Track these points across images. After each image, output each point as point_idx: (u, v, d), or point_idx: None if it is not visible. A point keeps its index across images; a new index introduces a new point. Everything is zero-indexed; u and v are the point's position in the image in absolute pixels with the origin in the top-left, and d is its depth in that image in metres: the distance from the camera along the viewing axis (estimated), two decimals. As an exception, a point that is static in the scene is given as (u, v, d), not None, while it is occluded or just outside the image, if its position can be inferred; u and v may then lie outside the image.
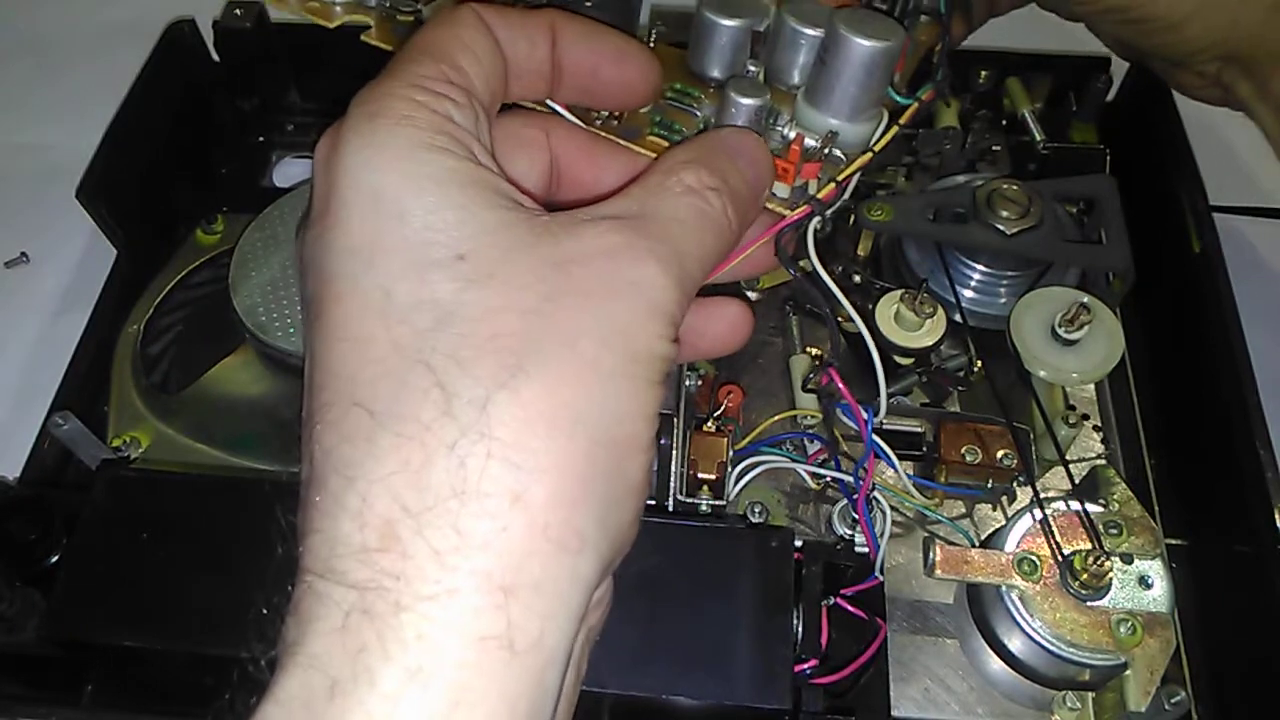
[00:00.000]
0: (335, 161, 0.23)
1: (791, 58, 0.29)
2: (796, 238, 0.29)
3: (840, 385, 0.36)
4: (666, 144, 0.29)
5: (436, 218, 0.22)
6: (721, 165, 0.26)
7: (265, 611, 0.23)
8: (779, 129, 0.29)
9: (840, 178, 0.28)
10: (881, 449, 0.38)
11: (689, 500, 0.40)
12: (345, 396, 0.21)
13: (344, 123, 0.23)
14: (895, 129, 0.29)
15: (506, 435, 0.20)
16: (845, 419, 0.38)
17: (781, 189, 0.28)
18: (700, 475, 0.39)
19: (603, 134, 0.29)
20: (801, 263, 0.29)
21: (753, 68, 0.29)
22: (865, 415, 0.37)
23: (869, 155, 0.29)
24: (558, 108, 0.28)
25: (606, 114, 0.29)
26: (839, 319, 0.36)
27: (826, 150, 0.28)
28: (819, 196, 0.28)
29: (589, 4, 0.30)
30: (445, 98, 0.23)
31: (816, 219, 0.29)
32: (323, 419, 0.21)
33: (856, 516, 0.39)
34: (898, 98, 0.29)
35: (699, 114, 0.29)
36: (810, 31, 0.28)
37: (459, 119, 0.23)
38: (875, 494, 0.39)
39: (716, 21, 0.29)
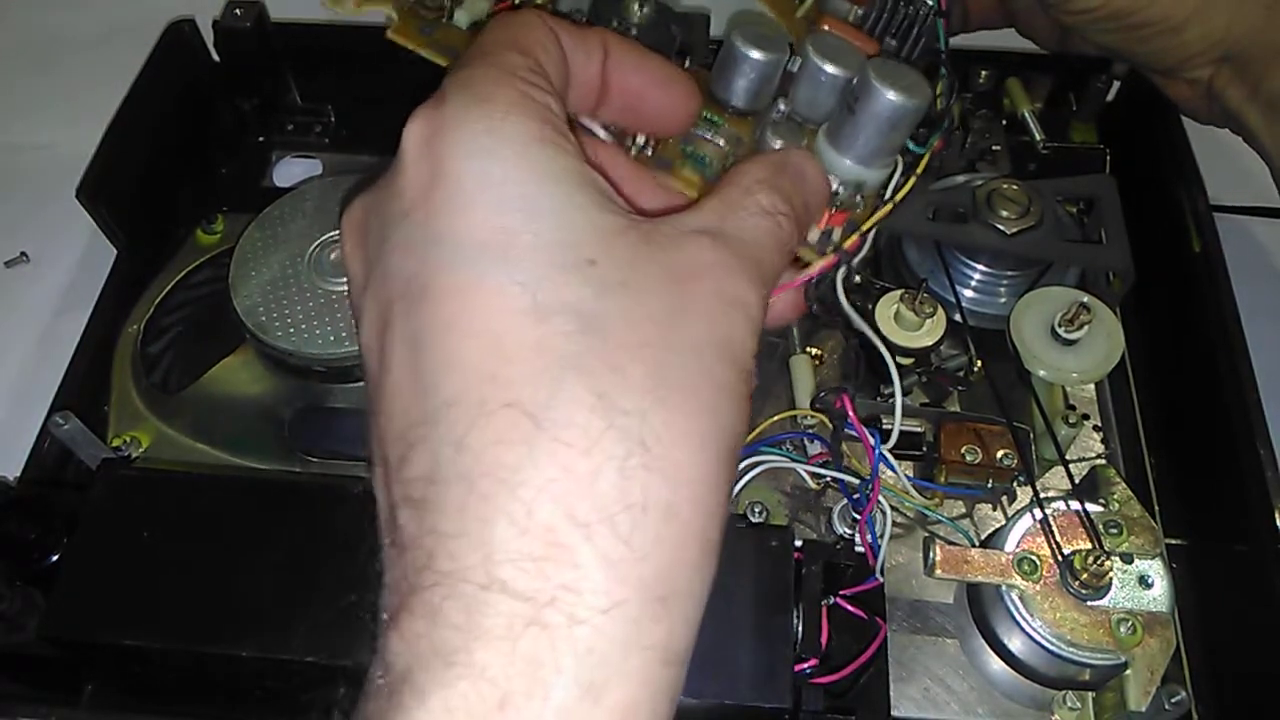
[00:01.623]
0: (443, 144, 0.22)
1: (815, 95, 0.29)
2: (826, 283, 0.30)
3: (852, 414, 0.36)
4: (699, 178, 0.29)
5: (563, 218, 0.22)
6: (790, 190, 0.26)
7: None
8: None
9: (865, 228, 0.29)
10: (889, 462, 0.38)
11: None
12: (491, 396, 0.21)
13: (446, 103, 0.23)
14: (914, 179, 0.29)
15: (661, 449, 0.21)
16: (852, 431, 0.38)
17: (811, 232, 0.29)
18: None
19: (644, 164, 0.29)
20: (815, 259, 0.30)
21: (783, 106, 0.30)
22: (874, 441, 0.37)
23: (890, 206, 0.29)
24: (596, 129, 0.28)
25: (643, 142, 0.29)
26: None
27: (855, 199, 0.29)
28: (845, 247, 0.29)
29: (634, 31, 0.30)
30: (542, 89, 0.23)
31: (842, 267, 0.29)
32: (458, 416, 0.21)
33: (856, 518, 0.39)
34: (913, 146, 0.30)
35: (724, 144, 0.30)
36: (834, 70, 0.28)
37: (556, 111, 0.23)
38: (875, 494, 0.39)
39: (748, 54, 0.28)
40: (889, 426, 0.38)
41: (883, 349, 0.36)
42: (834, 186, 0.29)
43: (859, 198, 0.29)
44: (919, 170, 0.30)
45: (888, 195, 0.29)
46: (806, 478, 0.42)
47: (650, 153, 0.29)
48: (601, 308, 0.21)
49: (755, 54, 0.28)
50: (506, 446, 0.20)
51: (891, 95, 0.27)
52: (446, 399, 0.21)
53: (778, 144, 0.28)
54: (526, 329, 0.21)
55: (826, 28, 0.32)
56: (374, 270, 0.24)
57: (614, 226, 0.22)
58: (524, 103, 0.23)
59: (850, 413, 0.36)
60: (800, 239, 0.27)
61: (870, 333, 0.34)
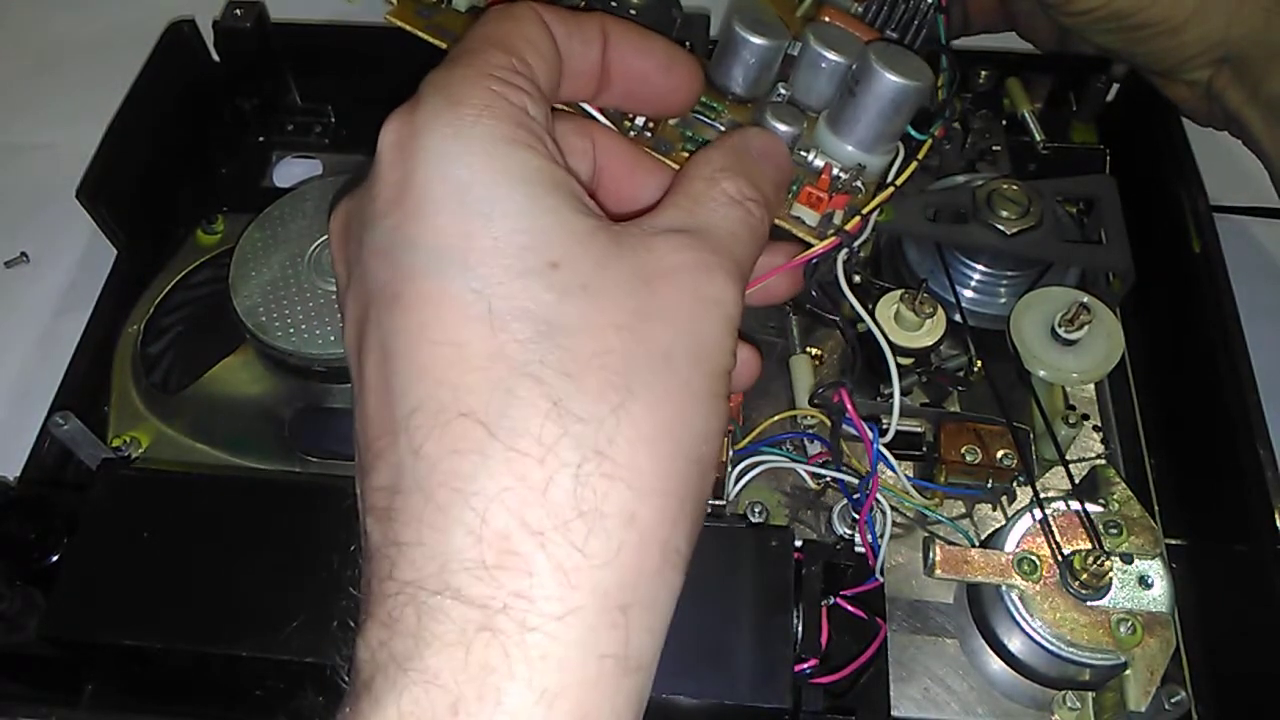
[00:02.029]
0: (415, 148, 0.22)
1: (816, 82, 0.29)
2: (827, 265, 0.30)
3: (850, 407, 0.36)
4: None
5: (527, 221, 0.22)
6: (754, 173, 0.26)
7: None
8: (804, 154, 0.29)
9: (865, 211, 0.29)
10: (889, 462, 0.38)
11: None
12: (448, 405, 0.21)
13: (420, 107, 0.23)
14: (914, 164, 0.29)
15: (621, 456, 0.21)
16: (851, 429, 0.38)
17: (810, 216, 0.29)
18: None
19: (644, 148, 0.29)
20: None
21: (784, 90, 0.29)
22: (872, 436, 0.37)
23: (891, 189, 0.29)
24: (595, 113, 0.28)
25: (641, 125, 0.29)
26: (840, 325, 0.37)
27: (855, 182, 0.29)
28: (846, 229, 0.28)
29: (633, 11, 0.30)
30: (520, 90, 0.23)
31: (844, 250, 0.29)
32: (419, 424, 0.21)
33: (857, 518, 0.39)
34: (914, 133, 0.30)
35: (722, 128, 0.29)
36: (834, 57, 0.28)
37: (534, 113, 0.23)
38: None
39: (748, 39, 0.28)
40: (887, 425, 0.38)
41: (879, 336, 0.36)
42: (835, 171, 0.29)
43: (859, 183, 0.29)
44: (920, 156, 0.30)
45: (889, 179, 0.29)
46: (806, 478, 0.42)
47: (649, 135, 0.29)
48: (560, 313, 0.21)
49: (755, 39, 0.28)
50: (461, 456, 0.20)
51: (892, 77, 0.27)
52: (410, 408, 0.21)
53: (780, 128, 0.28)
54: (484, 337, 0.21)
55: (827, 19, 0.32)
56: (353, 273, 0.24)
57: (582, 229, 0.22)
58: (496, 104, 0.22)
59: (849, 406, 0.36)
60: (773, 219, 0.26)
61: (866, 317, 0.33)
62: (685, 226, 0.24)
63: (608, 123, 0.28)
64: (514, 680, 0.19)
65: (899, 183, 0.29)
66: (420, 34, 0.29)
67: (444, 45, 0.29)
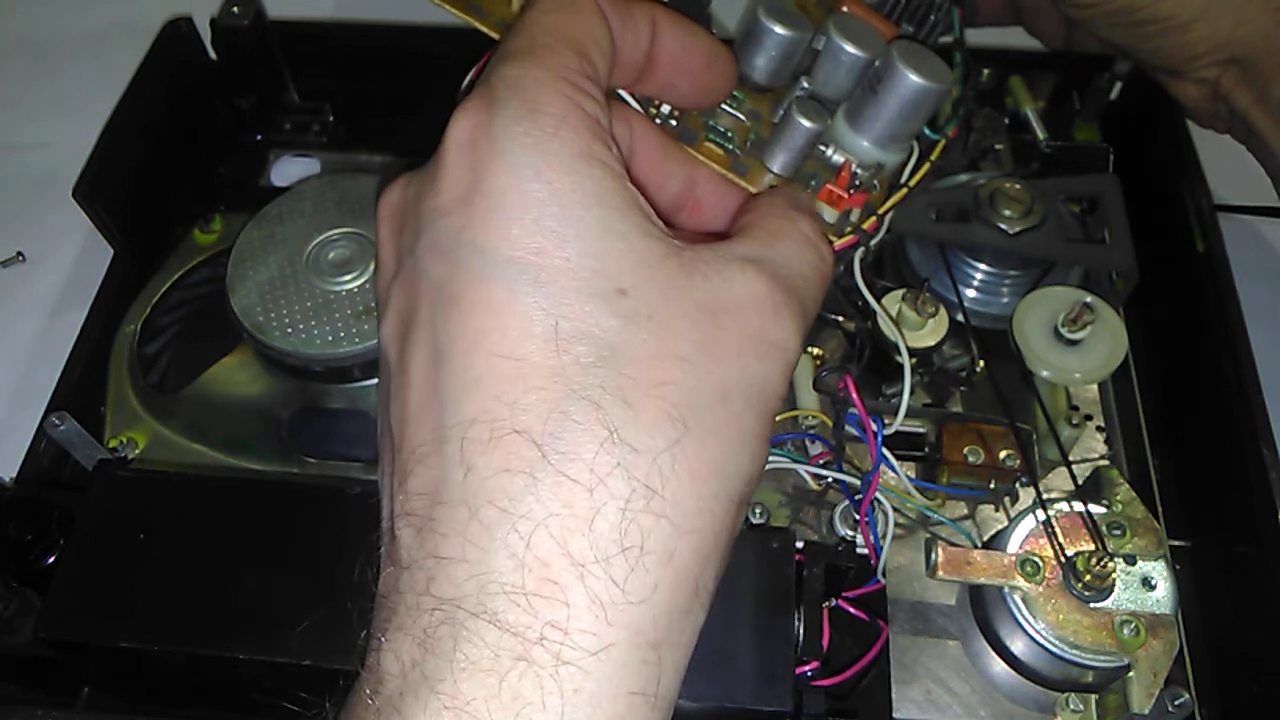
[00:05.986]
0: (489, 152, 0.22)
1: (836, 75, 0.29)
2: (841, 264, 0.30)
3: (855, 395, 0.36)
4: (722, 151, 0.29)
5: (599, 245, 0.22)
6: (821, 223, 0.26)
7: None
8: (823, 150, 0.29)
9: (881, 210, 0.29)
10: (890, 463, 0.38)
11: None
12: (503, 421, 0.20)
13: (496, 109, 0.22)
14: (928, 165, 0.30)
15: (670, 493, 0.20)
16: (852, 429, 0.38)
17: (829, 213, 0.29)
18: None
19: (673, 137, 0.29)
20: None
21: (806, 84, 0.29)
22: (875, 428, 0.37)
23: (905, 190, 0.29)
24: (630, 100, 0.28)
25: (667, 113, 0.29)
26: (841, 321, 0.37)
27: (874, 180, 0.29)
28: (864, 228, 0.29)
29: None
30: (592, 97, 0.23)
31: (860, 249, 0.29)
32: (471, 437, 0.21)
33: (858, 518, 0.39)
34: (929, 132, 0.30)
35: (742, 117, 0.29)
36: (856, 51, 0.28)
37: (604, 122, 0.23)
38: (877, 495, 0.38)
39: (773, 30, 0.28)
40: (891, 421, 0.37)
41: (894, 330, 0.36)
42: (853, 169, 0.29)
43: (875, 181, 0.29)
44: (934, 156, 0.30)
45: (904, 179, 0.30)
46: (808, 478, 0.41)
47: (674, 123, 0.29)
48: (624, 340, 0.21)
49: (780, 29, 0.28)
50: (511, 475, 0.20)
51: (915, 78, 0.27)
52: (461, 418, 0.21)
53: (804, 123, 0.28)
54: (547, 356, 0.21)
55: (846, 9, 0.32)
56: (404, 264, 0.23)
57: (653, 254, 0.22)
58: (573, 115, 0.22)
59: (852, 392, 0.36)
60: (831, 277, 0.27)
61: (882, 311, 0.33)
62: (761, 259, 0.24)
63: (638, 106, 0.28)
64: (546, 713, 0.19)
65: (913, 183, 0.29)
66: (450, 9, 0.29)
67: (464, 15, 0.28)
